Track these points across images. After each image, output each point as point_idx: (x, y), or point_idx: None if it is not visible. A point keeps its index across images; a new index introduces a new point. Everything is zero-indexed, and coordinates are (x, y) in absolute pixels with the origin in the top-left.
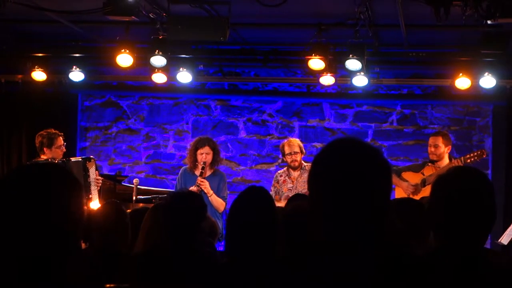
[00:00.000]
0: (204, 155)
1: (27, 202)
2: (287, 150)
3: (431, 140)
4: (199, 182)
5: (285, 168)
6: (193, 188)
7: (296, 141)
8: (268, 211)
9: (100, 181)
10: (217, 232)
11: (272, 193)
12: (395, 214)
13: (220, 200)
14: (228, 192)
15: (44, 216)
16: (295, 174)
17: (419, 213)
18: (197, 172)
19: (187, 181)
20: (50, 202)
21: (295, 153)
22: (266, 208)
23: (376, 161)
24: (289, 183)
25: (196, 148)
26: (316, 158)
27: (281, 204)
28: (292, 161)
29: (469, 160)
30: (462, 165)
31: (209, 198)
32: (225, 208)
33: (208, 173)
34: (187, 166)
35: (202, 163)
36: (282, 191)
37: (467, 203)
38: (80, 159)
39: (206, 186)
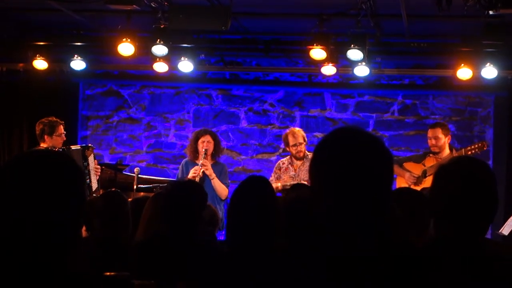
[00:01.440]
0: (206, 143)
1: (27, 189)
2: (291, 141)
3: (430, 133)
4: (202, 163)
5: (288, 157)
6: (196, 167)
7: (299, 131)
8: (268, 201)
9: (99, 170)
10: (217, 221)
11: (272, 178)
12: (395, 204)
13: (222, 185)
14: (229, 182)
15: (45, 203)
16: (297, 162)
17: (419, 203)
18: (199, 162)
19: (189, 171)
20: (52, 189)
21: (300, 143)
22: (266, 197)
23: (377, 151)
24: (291, 171)
25: (197, 137)
26: (317, 147)
27: (275, 184)
28: (297, 152)
29: (470, 152)
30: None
31: (212, 181)
32: (227, 197)
33: (210, 163)
34: (187, 157)
35: (204, 150)
36: (283, 178)
37: (469, 193)
38: (79, 147)
39: (208, 168)
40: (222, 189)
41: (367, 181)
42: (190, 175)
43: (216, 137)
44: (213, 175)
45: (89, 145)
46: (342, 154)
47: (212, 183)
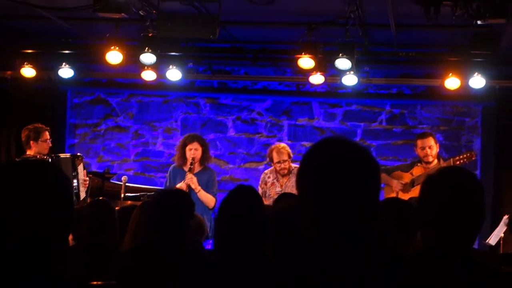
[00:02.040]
0: (193, 150)
1: (14, 198)
2: (275, 158)
3: (423, 143)
4: (187, 178)
5: (272, 168)
6: (181, 184)
7: (284, 148)
8: (256, 210)
9: (88, 180)
10: (204, 230)
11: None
12: (383, 214)
13: (209, 195)
14: (217, 190)
15: (32, 212)
16: (283, 178)
17: (407, 213)
18: (186, 168)
19: (177, 177)
20: (39, 198)
21: (284, 161)
22: (254, 206)
23: (364, 160)
24: (278, 187)
25: (185, 144)
26: (304, 157)
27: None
28: (281, 169)
29: (458, 162)
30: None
31: (197, 194)
32: (215, 206)
33: (198, 169)
34: (175, 163)
35: (191, 158)
36: (270, 194)
37: (457, 204)
38: (69, 156)
39: (194, 182)
40: (208, 200)
41: (355, 191)
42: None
43: (204, 143)
44: (198, 188)
45: (79, 154)
46: (329, 164)
47: (198, 196)
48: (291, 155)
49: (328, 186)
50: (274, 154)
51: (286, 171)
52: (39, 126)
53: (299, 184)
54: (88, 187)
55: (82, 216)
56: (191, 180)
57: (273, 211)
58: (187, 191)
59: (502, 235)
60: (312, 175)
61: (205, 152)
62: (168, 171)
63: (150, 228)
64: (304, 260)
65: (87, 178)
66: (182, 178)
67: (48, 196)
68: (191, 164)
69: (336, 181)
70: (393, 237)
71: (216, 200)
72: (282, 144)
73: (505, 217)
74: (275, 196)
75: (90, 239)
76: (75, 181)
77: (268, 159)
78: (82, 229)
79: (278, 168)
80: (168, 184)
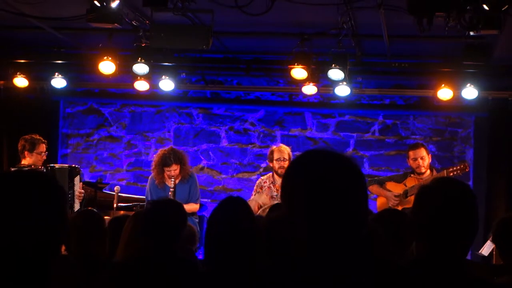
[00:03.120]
0: (172, 171)
1: (7, 207)
2: (276, 155)
3: (416, 154)
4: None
5: (269, 175)
6: None
7: (286, 149)
8: (245, 221)
9: (83, 192)
10: (195, 240)
11: (252, 197)
12: (377, 224)
13: (192, 205)
14: (199, 194)
15: (27, 222)
16: (279, 181)
17: (402, 224)
18: (169, 183)
19: (157, 195)
20: (33, 209)
21: (284, 159)
22: (244, 217)
23: (348, 170)
24: (274, 191)
25: (162, 166)
26: (287, 172)
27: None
28: (279, 168)
29: (451, 173)
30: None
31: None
32: (204, 216)
33: (177, 180)
34: (155, 180)
35: (171, 180)
36: (263, 197)
37: (450, 214)
38: (67, 167)
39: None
40: (192, 209)
41: (340, 201)
42: None
43: (182, 160)
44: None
45: (77, 166)
46: (312, 175)
47: None
48: (291, 157)
49: (313, 199)
50: (275, 152)
51: (284, 171)
52: (36, 137)
53: (283, 198)
54: (83, 200)
55: (71, 226)
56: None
57: (266, 221)
58: None
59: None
60: (295, 186)
61: (183, 167)
62: (148, 181)
63: (143, 238)
64: (295, 271)
65: (82, 191)
66: (161, 196)
67: (41, 207)
68: (174, 184)
69: (320, 191)
70: (388, 248)
71: (199, 204)
72: (284, 145)
73: None
74: (268, 201)
75: (80, 249)
76: (70, 192)
77: (267, 160)
78: (71, 239)
79: (277, 166)
80: (149, 196)
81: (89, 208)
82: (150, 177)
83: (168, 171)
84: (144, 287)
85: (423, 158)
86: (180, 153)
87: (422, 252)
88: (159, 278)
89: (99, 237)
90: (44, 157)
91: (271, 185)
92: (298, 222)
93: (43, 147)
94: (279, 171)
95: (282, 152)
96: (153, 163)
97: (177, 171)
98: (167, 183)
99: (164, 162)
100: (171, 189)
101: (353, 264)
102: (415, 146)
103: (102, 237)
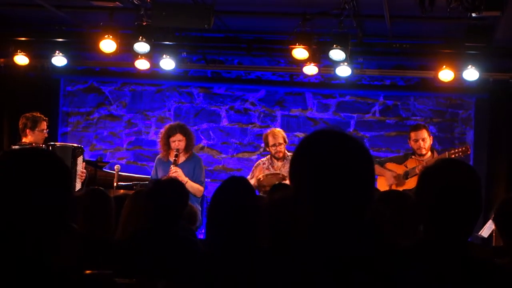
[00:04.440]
0: (177, 142)
1: (15, 186)
2: (271, 141)
3: (417, 135)
4: (171, 171)
5: (267, 157)
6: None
7: (280, 132)
8: (248, 201)
9: (85, 173)
10: (196, 219)
11: (249, 177)
12: (382, 206)
13: (196, 185)
14: (205, 178)
15: (31, 200)
16: (278, 163)
17: (406, 205)
18: (171, 158)
19: (161, 169)
20: (39, 187)
21: (279, 144)
22: (246, 198)
23: (358, 152)
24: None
25: (168, 135)
26: (296, 150)
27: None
28: (276, 152)
29: (453, 156)
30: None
31: (185, 185)
32: (204, 196)
33: (183, 158)
34: (160, 154)
35: (175, 150)
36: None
37: (454, 196)
38: (70, 146)
39: (179, 175)
40: (195, 190)
41: (348, 182)
42: None
43: (187, 132)
44: (185, 179)
45: (80, 146)
46: (322, 157)
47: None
48: (287, 140)
49: (321, 178)
50: (270, 138)
51: (281, 154)
52: (37, 115)
53: (292, 176)
54: (84, 180)
55: (77, 204)
56: (176, 173)
57: (269, 202)
58: None
59: (494, 227)
60: (304, 167)
61: (188, 141)
62: (155, 163)
63: (144, 217)
64: (299, 250)
65: (84, 171)
66: (166, 169)
67: (46, 185)
68: (176, 156)
69: (330, 173)
70: (393, 230)
71: (204, 188)
72: (278, 129)
73: None
74: (260, 175)
75: (86, 228)
76: (73, 171)
77: (264, 145)
78: (78, 218)
79: (273, 151)
80: (153, 175)
81: (96, 187)
82: (155, 161)
83: (173, 141)
84: (143, 266)
85: (424, 140)
86: (187, 127)
87: (427, 234)
88: (158, 257)
89: (106, 217)
90: (46, 135)
91: (270, 166)
92: (304, 203)
93: (44, 125)
94: (276, 155)
95: (276, 137)
96: (159, 136)
97: (182, 143)
98: (170, 158)
99: (169, 132)
100: (172, 165)
101: (356, 246)
102: (417, 127)
103: (108, 216)
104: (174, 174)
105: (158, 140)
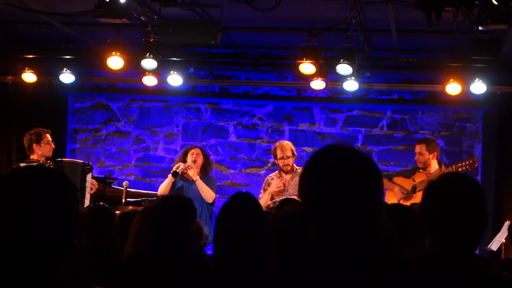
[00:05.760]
0: (195, 155)
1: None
2: (279, 154)
3: (416, 148)
4: (187, 164)
5: (276, 172)
6: (179, 164)
7: (288, 145)
8: (255, 217)
9: (94, 189)
10: (202, 234)
11: (261, 195)
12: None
13: (208, 187)
14: (216, 192)
15: (37, 218)
16: (286, 177)
17: (412, 219)
18: (179, 168)
19: (176, 182)
20: (44, 204)
21: (288, 157)
22: (253, 214)
23: (366, 167)
24: (281, 186)
25: (186, 151)
26: (306, 165)
27: (265, 201)
28: (284, 165)
29: (460, 169)
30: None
31: (195, 182)
32: (213, 212)
33: (199, 174)
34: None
35: (192, 161)
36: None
37: (459, 210)
38: (80, 163)
39: (193, 169)
40: (207, 191)
41: (357, 198)
42: (174, 169)
43: (205, 153)
44: (196, 176)
45: (90, 163)
46: (331, 172)
47: (196, 185)
48: (295, 153)
49: (331, 194)
50: (278, 150)
51: (289, 168)
52: (39, 129)
53: (301, 192)
54: (92, 195)
55: (82, 221)
56: (191, 166)
57: (276, 217)
58: (185, 173)
59: (504, 240)
60: (314, 182)
61: (206, 160)
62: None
63: (152, 233)
64: (306, 267)
65: (94, 187)
66: (182, 182)
67: (53, 203)
68: (193, 161)
69: (339, 188)
70: (398, 244)
71: (215, 195)
72: (286, 142)
73: (507, 222)
74: (278, 195)
75: (90, 244)
76: (82, 188)
77: (272, 158)
78: (82, 234)
79: (281, 164)
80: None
81: (101, 203)
82: None
83: (191, 154)
84: (152, 282)
85: (420, 154)
86: (206, 150)
87: (432, 248)
88: (166, 274)
89: (110, 233)
90: (53, 146)
91: (278, 180)
92: (314, 218)
93: (48, 137)
94: (284, 168)
95: (285, 150)
96: (178, 156)
97: (200, 158)
98: (178, 168)
99: (188, 148)
100: (170, 175)
101: (366, 259)
102: (418, 141)
103: (113, 232)
104: (189, 168)
105: (176, 159)
